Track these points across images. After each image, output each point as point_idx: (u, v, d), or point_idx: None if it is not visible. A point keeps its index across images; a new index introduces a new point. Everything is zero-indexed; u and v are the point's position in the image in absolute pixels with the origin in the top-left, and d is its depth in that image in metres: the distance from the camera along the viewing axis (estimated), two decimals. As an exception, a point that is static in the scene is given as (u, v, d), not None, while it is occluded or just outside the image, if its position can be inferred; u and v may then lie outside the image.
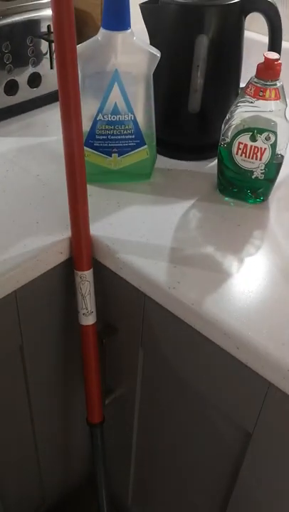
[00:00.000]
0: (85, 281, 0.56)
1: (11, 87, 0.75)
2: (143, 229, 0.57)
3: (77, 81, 0.47)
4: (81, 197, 0.52)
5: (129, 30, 0.54)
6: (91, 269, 0.56)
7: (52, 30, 0.68)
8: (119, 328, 0.63)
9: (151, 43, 0.63)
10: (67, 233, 0.56)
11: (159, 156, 0.68)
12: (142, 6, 0.62)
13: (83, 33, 0.84)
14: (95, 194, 0.62)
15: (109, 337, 0.63)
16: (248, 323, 0.46)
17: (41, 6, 0.75)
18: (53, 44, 0.46)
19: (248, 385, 0.49)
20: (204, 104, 0.65)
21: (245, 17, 0.63)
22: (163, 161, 0.69)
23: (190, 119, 0.67)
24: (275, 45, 0.66)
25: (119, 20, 0.53)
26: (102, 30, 0.55)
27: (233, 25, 0.63)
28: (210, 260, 0.53)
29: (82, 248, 0.55)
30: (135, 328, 0.59)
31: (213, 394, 0.55)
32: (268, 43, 0.65)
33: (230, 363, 0.48)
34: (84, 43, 0.55)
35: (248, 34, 0.67)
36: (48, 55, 0.77)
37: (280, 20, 0.63)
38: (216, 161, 0.63)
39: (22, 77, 0.76)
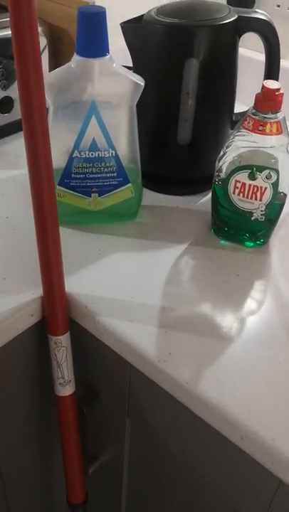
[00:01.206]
0: (61, 347, 0.48)
1: (-21, 114, 0.67)
2: (128, 284, 0.49)
3: (45, 116, 0.39)
4: (53, 248, 0.44)
5: (107, 56, 0.47)
6: (67, 333, 0.48)
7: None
8: (102, 393, 0.55)
9: (134, 68, 0.56)
10: (38, 291, 0.48)
11: (146, 191, 0.61)
12: (124, 26, 0.55)
13: (59, 51, 0.76)
14: (71, 239, 0.54)
15: (91, 404, 0.55)
16: (255, 409, 0.39)
17: (12, 24, 0.68)
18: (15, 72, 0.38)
19: (255, 478, 0.41)
20: (195, 135, 0.58)
21: (239, 38, 0.56)
22: (150, 197, 0.62)
23: (180, 150, 0.59)
24: (272, 67, 0.59)
25: (95, 46, 0.45)
26: (76, 57, 0.47)
27: (227, 47, 0.56)
28: (206, 322, 0.46)
29: (56, 310, 0.47)
30: (120, 396, 0.51)
31: (213, 479, 0.47)
32: (264, 63, 0.59)
33: (233, 452, 0.41)
34: (55, 72, 0.48)
35: (240, 51, 0.60)
36: (20, 77, 0.70)
37: (278, 41, 0.57)
38: (210, 195, 0.56)
39: (-9, 102, 0.68)
